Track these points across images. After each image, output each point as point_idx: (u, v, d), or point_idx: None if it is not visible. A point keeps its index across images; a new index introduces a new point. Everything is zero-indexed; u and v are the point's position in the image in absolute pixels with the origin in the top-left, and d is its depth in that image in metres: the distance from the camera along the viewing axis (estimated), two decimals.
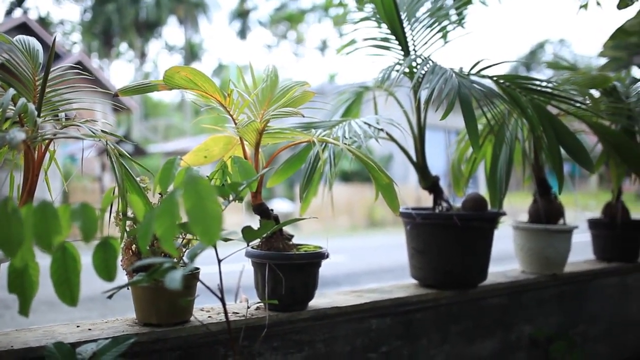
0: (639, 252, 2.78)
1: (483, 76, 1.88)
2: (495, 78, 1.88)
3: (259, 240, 1.67)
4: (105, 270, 1.01)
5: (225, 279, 1.36)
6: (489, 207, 2.11)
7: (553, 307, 2.39)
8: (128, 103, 20.30)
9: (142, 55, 36.50)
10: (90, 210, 0.91)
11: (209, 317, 1.54)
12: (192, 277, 1.35)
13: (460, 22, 2.15)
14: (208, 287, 1.18)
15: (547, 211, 2.30)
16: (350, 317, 1.77)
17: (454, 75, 1.67)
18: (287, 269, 1.59)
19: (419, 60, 1.82)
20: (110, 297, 1.09)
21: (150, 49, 38.20)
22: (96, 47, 34.76)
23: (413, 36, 1.97)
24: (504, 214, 2.04)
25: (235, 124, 1.53)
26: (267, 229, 1.27)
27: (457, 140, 2.38)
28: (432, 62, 1.76)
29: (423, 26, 1.98)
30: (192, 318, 1.48)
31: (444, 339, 2.01)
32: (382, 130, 1.93)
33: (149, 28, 35.35)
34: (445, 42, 2.10)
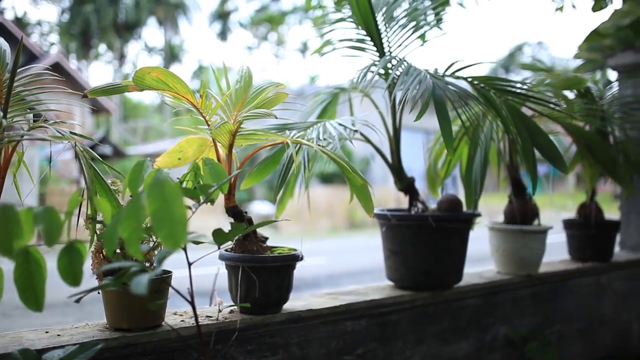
0: (612, 251, 2.81)
1: (458, 77, 1.89)
2: (470, 79, 1.88)
3: (233, 242, 1.65)
4: (71, 275, 0.99)
5: (202, 282, 1.35)
6: (465, 208, 2.12)
7: (528, 307, 2.40)
8: (107, 105, 20.11)
9: (122, 57, 36.16)
10: (53, 213, 0.89)
11: (181, 321, 1.53)
12: (161, 281, 1.33)
13: (437, 23, 2.16)
14: (178, 291, 1.17)
15: (522, 212, 2.31)
16: (326, 319, 1.76)
17: (428, 76, 1.67)
18: (261, 272, 1.58)
19: (394, 62, 1.82)
20: (77, 301, 1.07)
21: (129, 50, 37.87)
22: (74, 48, 34.36)
23: (388, 37, 1.96)
24: (479, 214, 2.05)
25: (209, 125, 1.52)
26: (238, 231, 1.26)
27: (432, 141, 2.38)
28: (407, 63, 1.76)
29: (399, 27, 1.98)
30: (164, 322, 1.46)
31: (419, 340, 2.01)
32: (356, 131, 1.93)
33: (128, 29, 35.03)
34: (423, 43, 2.11)
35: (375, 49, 1.95)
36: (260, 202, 15.89)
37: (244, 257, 1.58)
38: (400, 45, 1.99)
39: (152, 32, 47.41)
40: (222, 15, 37.20)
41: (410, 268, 1.97)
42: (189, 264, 1.16)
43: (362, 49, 1.99)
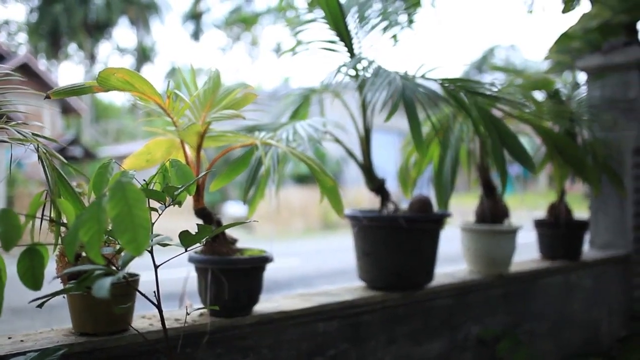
0: (581, 250, 2.85)
1: (428, 79, 1.89)
2: (440, 81, 1.89)
3: (202, 245, 1.63)
4: (32, 279, 0.96)
5: (174, 284, 1.32)
6: (436, 208, 2.12)
7: (500, 307, 2.42)
8: (77, 106, 19.81)
9: (92, 57, 35.65)
10: (11, 215, 0.87)
11: (149, 324, 1.50)
12: (127, 285, 1.30)
13: (409, 24, 2.16)
14: (144, 295, 1.15)
15: (492, 212, 2.33)
16: (297, 321, 1.75)
17: (398, 77, 1.67)
18: (231, 274, 1.56)
19: (364, 63, 1.82)
20: (40, 306, 1.04)
21: (100, 50, 37.35)
22: (44, 48, 33.78)
23: (359, 39, 1.96)
24: (449, 215, 2.05)
25: (176, 127, 1.49)
26: (204, 234, 1.24)
27: (404, 142, 2.39)
28: (377, 64, 1.76)
29: (369, 29, 1.97)
30: (131, 326, 1.43)
31: (391, 341, 2.01)
32: (327, 133, 1.93)
33: (98, 29, 34.55)
34: (395, 44, 2.11)
35: (346, 49, 1.94)
36: (233, 203, 15.81)
37: (213, 259, 1.56)
38: (371, 47, 1.99)
39: (124, 33, 46.83)
40: (195, 16, 36.93)
41: (382, 269, 1.97)
42: (155, 267, 1.14)
43: (333, 50, 1.98)
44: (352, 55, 1.95)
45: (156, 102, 1.47)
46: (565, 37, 3.52)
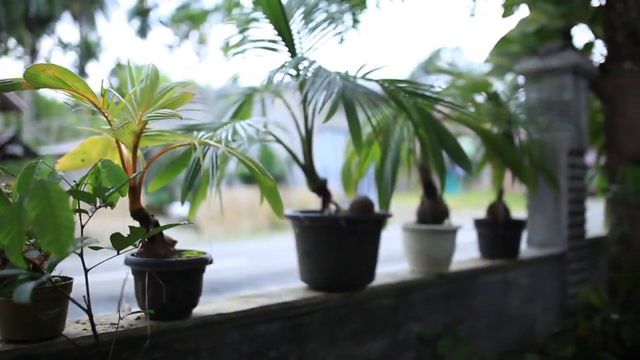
0: (519, 249, 2.93)
1: (369, 79, 1.91)
2: (380, 82, 1.90)
3: (139, 247, 1.60)
4: None
5: (115, 287, 1.28)
6: (377, 208, 2.14)
7: (440, 305, 2.47)
8: (17, 103, 19.11)
9: (33, 52, 34.47)
10: None
11: (83, 329, 1.45)
12: (55, 289, 1.26)
13: (353, 25, 2.17)
14: (72, 300, 1.11)
15: (432, 212, 2.37)
16: (237, 323, 1.73)
17: (338, 78, 1.67)
18: (168, 276, 1.53)
19: (306, 63, 1.82)
20: None
21: (42, 45, 36.12)
22: None
23: (300, 38, 1.96)
24: (390, 216, 2.08)
25: (111, 125, 1.46)
26: (137, 236, 1.21)
27: (346, 143, 2.40)
28: (317, 64, 1.76)
29: (311, 29, 1.98)
30: (63, 332, 1.39)
31: (333, 341, 2.02)
32: (268, 132, 1.92)
33: (40, 24, 33.43)
34: (341, 42, 2.12)
35: (287, 49, 1.94)
36: (180, 203, 15.56)
37: (149, 261, 1.53)
38: (312, 47, 1.99)
39: (67, 28, 45.45)
40: (141, 12, 36.19)
41: (323, 269, 1.97)
42: (85, 271, 1.10)
43: (275, 50, 1.97)
44: (294, 54, 1.94)
45: (90, 100, 1.43)
46: (504, 41, 3.62)
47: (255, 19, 2.02)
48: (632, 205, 3.12)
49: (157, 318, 1.56)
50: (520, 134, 2.82)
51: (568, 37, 3.84)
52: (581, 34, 3.97)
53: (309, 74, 1.72)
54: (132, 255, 1.58)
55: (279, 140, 1.93)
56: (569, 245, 3.23)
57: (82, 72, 35.42)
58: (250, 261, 9.67)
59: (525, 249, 3.30)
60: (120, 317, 1.44)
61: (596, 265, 3.75)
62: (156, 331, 1.53)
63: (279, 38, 1.93)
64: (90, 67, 36.47)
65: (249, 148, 1.98)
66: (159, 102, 1.47)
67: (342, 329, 2.05)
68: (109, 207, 1.25)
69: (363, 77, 1.89)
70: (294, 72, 1.87)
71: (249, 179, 17.08)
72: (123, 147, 1.53)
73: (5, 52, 34.81)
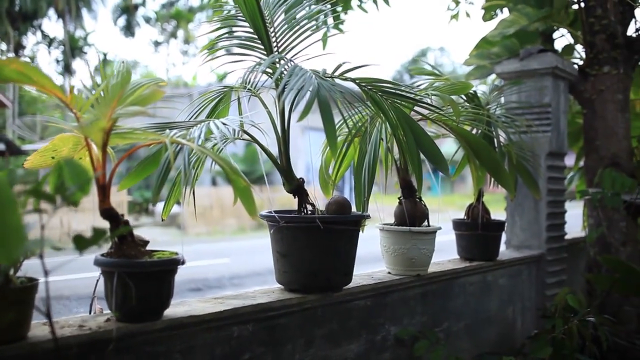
0: (498, 250, 2.93)
1: (346, 79, 1.89)
2: (358, 81, 1.89)
3: (110, 247, 1.57)
4: None
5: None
6: (355, 209, 2.13)
7: (418, 307, 2.46)
8: (0, 98, 18.85)
9: (18, 48, 34.09)
10: None
11: (50, 332, 1.42)
12: (20, 291, 1.23)
13: (335, 25, 2.15)
14: (33, 304, 1.08)
15: (411, 213, 2.36)
16: (209, 325, 1.71)
17: (314, 77, 1.65)
18: (138, 278, 1.50)
19: (282, 62, 1.79)
20: None
21: (27, 41, 35.73)
22: None
23: (277, 37, 1.94)
24: (367, 216, 2.06)
25: (79, 122, 1.43)
26: (99, 237, 1.18)
27: (323, 143, 2.38)
28: (293, 63, 1.74)
29: (290, 27, 1.95)
30: (29, 335, 1.35)
31: (309, 344, 2.00)
32: (244, 131, 1.90)
33: (25, 19, 33.08)
34: (321, 43, 2.10)
35: (263, 48, 1.91)
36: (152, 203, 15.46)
37: (118, 262, 1.50)
38: (290, 46, 1.97)
39: (54, 24, 45.02)
40: (127, 9, 35.92)
41: (299, 270, 1.95)
42: (45, 273, 1.07)
43: (251, 48, 1.95)
44: (270, 53, 1.92)
45: (57, 96, 1.40)
46: (484, 43, 3.63)
47: (233, 17, 1.99)
48: (609, 208, 3.14)
49: (127, 320, 1.53)
50: (500, 136, 2.82)
51: (549, 40, 3.85)
52: (562, 37, 3.99)
53: (285, 73, 1.69)
54: (102, 255, 1.55)
55: (254, 140, 1.91)
56: (547, 247, 3.24)
57: (68, 69, 35.12)
58: (234, 260, 9.62)
59: (504, 250, 3.31)
60: (81, 322, 1.41)
61: (575, 266, 3.77)
62: (125, 333, 1.50)
63: (255, 36, 1.90)
64: (77, 64, 36.06)
65: (223, 147, 1.95)
66: (129, 99, 1.44)
67: (319, 330, 2.04)
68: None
69: (340, 76, 1.87)
70: (270, 71, 1.85)
71: None
72: (93, 144, 1.51)
73: None
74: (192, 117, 2.06)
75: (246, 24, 1.98)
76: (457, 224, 2.91)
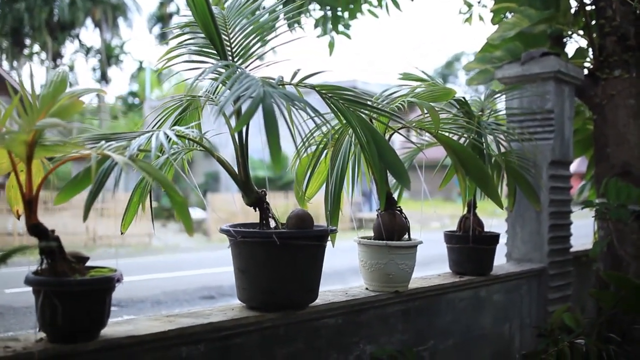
0: (492, 265, 2.78)
1: (305, 86, 1.79)
2: (317, 88, 1.79)
3: (41, 264, 1.50)
4: None
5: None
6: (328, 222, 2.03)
7: (398, 324, 2.33)
8: None
9: (56, 57, 34.99)
10: None
11: None
12: None
13: (289, 28, 2.06)
14: None
15: (388, 227, 2.23)
16: (152, 345, 1.62)
17: (260, 84, 1.56)
18: (65, 297, 1.43)
19: (231, 69, 1.70)
20: None
21: (65, 50, 36.66)
22: (6, 48, 33.11)
23: (232, 45, 1.85)
24: (333, 230, 1.95)
25: None
26: (8, 255, 1.11)
27: (293, 156, 2.27)
28: (240, 70, 1.64)
29: (246, 35, 1.87)
30: None
31: None
32: (195, 142, 1.81)
33: (63, 29, 33.94)
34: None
35: (216, 54, 1.83)
36: (191, 208, 15.58)
37: (44, 280, 1.43)
38: (247, 53, 1.88)
39: (91, 33, 46.12)
40: (162, 18, 36.50)
41: (257, 287, 1.86)
42: None
43: (207, 55, 1.87)
44: (225, 60, 1.83)
45: None
46: (488, 46, 3.48)
47: (191, 23, 1.92)
48: (616, 220, 2.95)
49: (57, 341, 1.46)
50: (498, 145, 2.67)
51: (559, 44, 3.68)
52: (572, 41, 3.82)
53: (231, 81, 1.60)
54: (33, 273, 1.48)
55: (208, 150, 1.83)
56: (550, 260, 3.07)
57: (105, 77, 35.86)
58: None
59: (504, 263, 3.15)
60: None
61: (585, 281, 3.57)
62: (52, 355, 1.43)
63: (209, 43, 1.81)
64: (113, 72, 36.84)
65: (180, 157, 1.88)
66: (51, 111, 1.37)
67: (281, 350, 1.93)
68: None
69: (298, 83, 1.78)
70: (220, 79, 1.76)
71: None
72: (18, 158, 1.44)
73: (30, 56, 35.41)
74: (153, 127, 1.99)
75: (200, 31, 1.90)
76: (448, 237, 2.77)
